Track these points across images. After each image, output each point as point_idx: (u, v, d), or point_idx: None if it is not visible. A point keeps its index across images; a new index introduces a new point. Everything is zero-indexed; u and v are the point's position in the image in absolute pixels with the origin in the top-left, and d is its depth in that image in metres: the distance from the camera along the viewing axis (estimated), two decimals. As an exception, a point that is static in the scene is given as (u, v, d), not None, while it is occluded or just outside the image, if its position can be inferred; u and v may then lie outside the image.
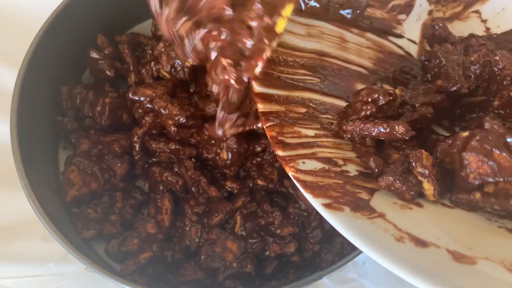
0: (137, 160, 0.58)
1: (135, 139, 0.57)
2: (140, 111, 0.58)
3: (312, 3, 0.53)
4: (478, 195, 0.39)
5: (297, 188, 0.54)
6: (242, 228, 0.54)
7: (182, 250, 0.54)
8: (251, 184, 0.57)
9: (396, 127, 0.42)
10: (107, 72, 0.61)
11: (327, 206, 0.38)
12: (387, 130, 0.42)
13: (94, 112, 0.59)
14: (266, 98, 0.46)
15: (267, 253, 0.54)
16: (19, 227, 0.58)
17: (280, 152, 0.42)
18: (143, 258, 0.52)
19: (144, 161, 0.58)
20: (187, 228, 0.55)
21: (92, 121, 0.59)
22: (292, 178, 0.40)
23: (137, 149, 0.57)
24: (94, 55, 0.61)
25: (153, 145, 0.56)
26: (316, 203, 0.38)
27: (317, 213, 0.54)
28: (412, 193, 0.40)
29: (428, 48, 0.57)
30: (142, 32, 0.67)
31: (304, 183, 0.40)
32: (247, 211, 0.55)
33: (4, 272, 0.56)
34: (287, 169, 0.41)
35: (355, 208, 0.38)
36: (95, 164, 0.56)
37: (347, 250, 0.53)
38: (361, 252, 0.50)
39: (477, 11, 0.59)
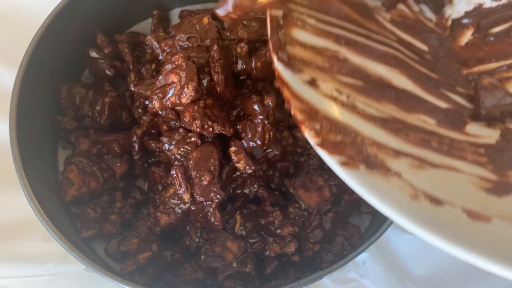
0: (137, 160, 0.57)
1: (134, 138, 0.57)
2: (140, 110, 0.58)
3: None
4: None
5: (297, 187, 0.54)
6: (242, 228, 0.54)
7: (182, 250, 0.54)
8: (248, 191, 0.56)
9: None
10: (107, 72, 0.61)
11: (343, 164, 0.38)
12: None
13: (94, 111, 0.59)
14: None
15: (267, 253, 0.53)
16: (18, 227, 0.58)
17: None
18: (143, 258, 0.52)
19: (144, 161, 0.58)
20: (187, 228, 0.55)
21: (92, 121, 0.59)
22: (308, 137, 0.40)
23: (136, 148, 0.57)
24: (94, 54, 0.61)
25: (153, 145, 0.56)
26: (332, 161, 0.38)
27: (317, 213, 0.54)
28: None
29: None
30: (141, 31, 0.67)
31: (319, 143, 0.39)
32: (247, 210, 0.55)
33: (3, 272, 0.56)
34: (302, 127, 0.41)
35: (371, 165, 0.38)
36: (95, 163, 0.55)
37: (348, 250, 0.53)
38: (361, 252, 0.50)
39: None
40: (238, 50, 0.54)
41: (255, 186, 0.54)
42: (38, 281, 0.56)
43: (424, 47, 0.55)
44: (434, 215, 0.35)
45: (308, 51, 0.47)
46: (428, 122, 0.45)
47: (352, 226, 0.56)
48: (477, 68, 0.53)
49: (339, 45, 0.49)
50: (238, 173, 0.54)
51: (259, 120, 0.51)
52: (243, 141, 0.52)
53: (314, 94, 0.43)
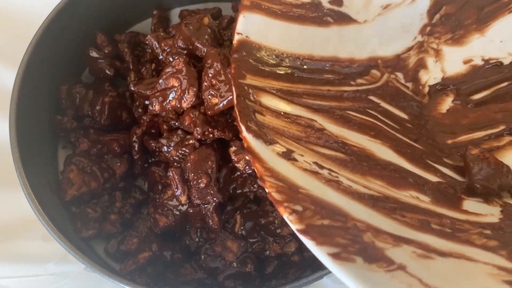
0: (137, 160, 0.57)
1: (134, 138, 0.57)
2: (140, 110, 0.58)
3: None
4: None
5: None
6: (242, 227, 0.54)
7: (182, 249, 0.54)
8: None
9: None
10: (107, 71, 0.61)
11: (334, 256, 0.31)
12: None
13: (94, 111, 0.59)
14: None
15: (268, 252, 0.53)
16: (18, 227, 0.58)
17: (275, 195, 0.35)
18: (142, 257, 0.52)
19: (144, 161, 0.58)
20: (187, 228, 0.55)
21: (92, 120, 0.59)
22: (288, 222, 0.34)
23: (136, 148, 0.57)
24: (94, 54, 0.61)
25: (153, 145, 0.56)
26: (320, 253, 0.31)
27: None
28: None
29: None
30: (141, 31, 0.66)
31: (303, 229, 0.33)
32: (247, 210, 0.55)
33: (3, 272, 0.56)
34: (281, 210, 0.34)
35: (369, 258, 0.32)
36: (95, 163, 0.55)
37: (348, 250, 0.53)
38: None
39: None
40: None
41: (255, 186, 0.54)
42: (38, 281, 0.56)
43: (403, 115, 0.50)
44: None
45: (280, 119, 0.42)
46: (421, 200, 0.40)
47: (352, 226, 0.56)
48: (463, 137, 0.49)
49: (314, 113, 0.44)
50: (238, 173, 0.54)
51: (259, 119, 0.51)
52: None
53: (292, 168, 0.37)
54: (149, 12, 0.66)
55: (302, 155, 0.39)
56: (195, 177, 0.49)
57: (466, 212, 0.40)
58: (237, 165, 0.51)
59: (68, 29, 0.58)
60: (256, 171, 0.36)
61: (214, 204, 0.50)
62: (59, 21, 0.56)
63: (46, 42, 0.55)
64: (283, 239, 0.53)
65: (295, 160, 0.38)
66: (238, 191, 0.54)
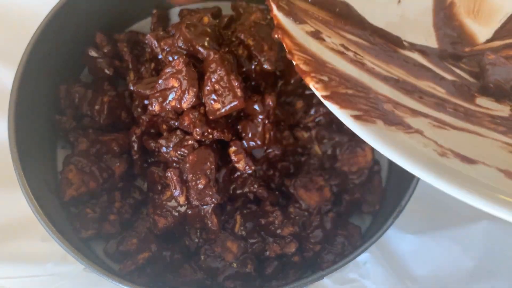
0: (136, 160, 0.57)
1: (133, 138, 0.56)
2: (139, 110, 0.58)
3: None
4: None
5: (297, 187, 0.54)
6: (242, 228, 0.54)
7: (182, 250, 0.54)
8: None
9: None
10: (106, 71, 0.61)
11: (357, 117, 0.34)
12: None
13: (93, 111, 0.58)
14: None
15: (268, 253, 0.53)
16: (17, 227, 0.58)
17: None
18: (142, 258, 0.51)
19: (143, 161, 0.58)
20: (187, 228, 0.55)
21: (91, 120, 0.59)
22: (314, 90, 0.36)
23: (135, 148, 0.57)
24: (93, 53, 0.61)
25: (152, 145, 0.55)
26: (344, 115, 0.34)
27: (318, 213, 0.53)
28: None
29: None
30: (141, 31, 0.66)
31: (328, 95, 0.35)
32: (247, 211, 0.54)
33: (2, 272, 0.56)
34: (307, 80, 0.36)
35: (389, 122, 0.34)
36: (94, 163, 0.55)
37: (348, 250, 0.53)
38: (362, 252, 0.50)
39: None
40: (240, 52, 0.54)
41: (255, 186, 0.54)
42: (37, 281, 0.56)
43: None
44: (466, 173, 0.32)
45: (310, 5, 0.44)
46: (438, 90, 0.43)
47: (352, 226, 0.56)
48: (480, 46, 0.51)
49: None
50: (238, 173, 0.54)
51: (259, 120, 0.51)
52: (243, 141, 0.52)
53: (320, 46, 0.40)
54: (148, 11, 0.66)
55: (329, 37, 0.41)
56: (193, 178, 0.49)
57: (478, 106, 0.43)
58: (237, 165, 0.51)
59: (67, 28, 0.58)
60: (285, 46, 0.38)
61: (213, 205, 0.50)
62: (58, 20, 0.56)
63: (45, 41, 0.55)
64: (283, 240, 0.53)
65: (323, 39, 0.40)
66: (238, 191, 0.54)
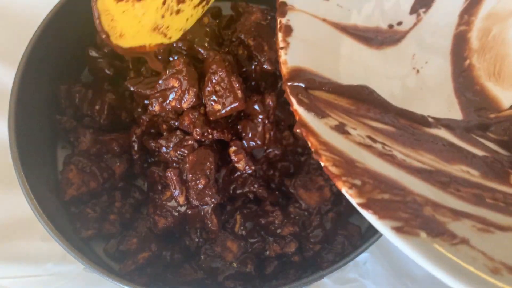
0: (136, 160, 0.57)
1: (134, 138, 0.56)
2: (139, 110, 0.58)
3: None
4: None
5: (297, 187, 0.54)
6: (242, 227, 0.54)
7: (182, 250, 0.54)
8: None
9: None
10: (106, 71, 0.61)
11: (398, 230, 0.31)
12: None
13: (93, 111, 0.58)
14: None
15: (268, 253, 0.53)
16: (17, 227, 0.58)
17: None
18: (142, 258, 0.51)
19: (143, 161, 0.58)
20: (187, 228, 0.54)
21: (91, 120, 0.59)
22: (348, 197, 0.33)
23: (135, 148, 0.57)
24: (93, 53, 0.61)
25: (152, 144, 0.55)
26: (384, 227, 0.31)
27: (318, 213, 0.53)
28: None
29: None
30: (141, 31, 0.66)
31: (364, 203, 0.32)
32: (247, 210, 0.54)
33: (2, 272, 0.56)
34: (339, 184, 0.34)
35: (433, 232, 0.31)
36: (94, 163, 0.55)
37: (348, 250, 0.53)
38: (362, 252, 0.50)
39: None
40: (240, 52, 0.54)
41: (255, 186, 0.54)
42: (37, 281, 0.56)
43: None
44: None
45: (329, 93, 0.41)
46: (472, 174, 0.40)
47: (352, 226, 0.55)
48: (507, 112, 0.48)
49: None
50: (238, 173, 0.54)
51: (259, 119, 0.51)
52: (244, 141, 0.52)
53: (346, 142, 0.37)
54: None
55: (354, 128, 0.38)
56: (193, 178, 0.49)
57: None
58: (237, 165, 0.51)
59: (67, 28, 0.58)
60: (310, 145, 0.35)
61: (212, 205, 0.50)
62: (58, 20, 0.56)
63: (45, 41, 0.55)
64: (283, 239, 0.53)
65: (349, 133, 0.38)
66: (238, 191, 0.54)
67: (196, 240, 0.54)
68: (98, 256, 0.55)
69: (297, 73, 0.42)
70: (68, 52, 0.60)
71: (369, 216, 0.32)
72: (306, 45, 0.45)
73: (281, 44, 0.44)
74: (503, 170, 0.41)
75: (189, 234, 0.54)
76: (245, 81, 0.55)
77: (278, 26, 0.45)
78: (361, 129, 0.39)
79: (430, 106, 0.49)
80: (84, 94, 0.59)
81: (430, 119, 0.47)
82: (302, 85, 0.41)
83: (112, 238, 0.55)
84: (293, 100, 0.39)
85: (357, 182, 0.33)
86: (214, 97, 0.48)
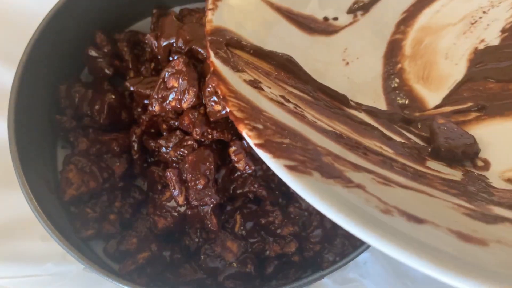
0: (136, 159, 0.57)
1: (134, 138, 0.56)
2: (139, 109, 0.58)
3: None
4: None
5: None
6: (242, 227, 0.53)
7: (182, 249, 0.54)
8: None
9: None
10: (106, 70, 0.61)
11: (291, 168, 0.30)
12: None
13: (93, 110, 0.58)
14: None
15: (268, 253, 0.53)
16: (17, 227, 0.58)
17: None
18: (142, 257, 0.51)
19: (143, 160, 0.58)
20: (187, 228, 0.54)
21: (91, 120, 0.59)
22: (247, 138, 0.33)
23: (135, 148, 0.56)
24: (93, 53, 0.61)
25: (152, 144, 0.55)
26: (276, 165, 0.31)
27: (318, 213, 0.53)
28: None
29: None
30: (141, 30, 0.66)
31: (261, 144, 0.32)
32: (247, 210, 0.54)
33: (1, 272, 0.56)
34: (240, 127, 0.34)
35: (327, 174, 0.31)
36: (94, 163, 0.55)
37: (349, 250, 0.52)
38: (362, 252, 0.50)
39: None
40: None
41: (255, 185, 0.53)
42: (37, 281, 0.56)
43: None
44: (413, 234, 0.28)
45: (251, 56, 0.43)
46: (385, 149, 0.39)
47: (352, 226, 0.55)
48: (431, 111, 0.50)
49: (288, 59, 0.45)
50: (238, 173, 0.54)
51: (259, 119, 0.51)
52: (244, 141, 0.52)
53: (257, 95, 0.37)
54: (148, 11, 0.66)
55: (269, 87, 0.39)
56: (193, 178, 0.49)
57: (429, 168, 0.39)
58: (236, 165, 0.51)
59: (67, 28, 0.58)
60: (220, 93, 0.36)
61: (212, 205, 0.50)
62: (58, 20, 0.56)
63: (45, 41, 0.55)
64: (283, 239, 0.53)
65: (262, 89, 0.38)
66: (238, 191, 0.54)
67: (196, 240, 0.54)
68: (98, 256, 0.55)
69: (221, 31, 0.43)
70: (67, 52, 0.60)
71: (264, 155, 0.32)
72: (235, 11, 0.46)
73: (210, 6, 0.45)
74: (420, 156, 0.42)
75: (189, 234, 0.54)
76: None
77: None
78: (276, 89, 0.39)
79: (356, 96, 0.50)
80: (84, 94, 0.59)
81: (351, 102, 0.48)
82: (223, 41, 0.42)
83: (112, 238, 0.55)
84: (211, 53, 0.39)
85: (259, 126, 0.33)
86: (214, 98, 0.48)
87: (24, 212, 0.51)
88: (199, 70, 0.51)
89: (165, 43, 0.54)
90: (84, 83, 0.61)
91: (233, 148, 0.51)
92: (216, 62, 0.38)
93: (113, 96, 0.59)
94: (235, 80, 0.38)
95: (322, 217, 0.53)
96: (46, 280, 0.56)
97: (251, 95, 0.37)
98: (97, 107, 0.58)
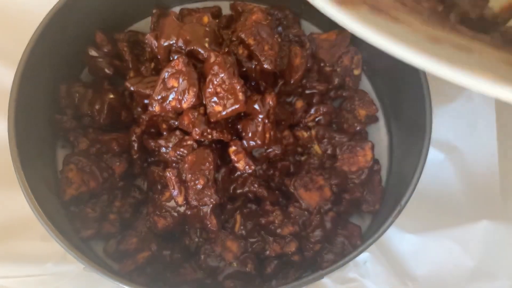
0: (136, 159, 0.57)
1: (134, 138, 0.56)
2: (139, 109, 0.58)
3: None
4: None
5: (297, 187, 0.54)
6: (242, 227, 0.54)
7: (182, 249, 0.54)
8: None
9: None
10: (106, 70, 0.61)
11: (338, 2, 0.30)
12: None
13: (93, 110, 0.58)
14: None
15: (268, 252, 0.53)
16: (17, 227, 0.58)
17: None
18: (142, 257, 0.51)
19: (143, 160, 0.58)
20: (187, 228, 0.54)
21: (91, 120, 0.59)
22: None
23: (135, 148, 0.56)
24: (93, 53, 0.61)
25: (152, 144, 0.55)
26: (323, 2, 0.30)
27: (318, 212, 0.53)
28: None
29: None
30: (141, 30, 0.66)
31: None
32: (247, 210, 0.54)
33: (2, 272, 0.56)
34: None
35: (375, 9, 0.31)
36: (94, 162, 0.55)
37: (348, 250, 0.53)
38: (362, 251, 0.50)
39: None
40: (240, 51, 0.54)
41: (255, 185, 0.54)
42: (37, 281, 0.56)
43: None
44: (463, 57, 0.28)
45: None
46: None
47: (352, 225, 0.55)
48: None
49: None
50: (238, 173, 0.54)
51: (259, 119, 0.51)
52: (243, 141, 0.52)
53: None
54: (148, 10, 0.66)
55: None
56: (192, 178, 0.49)
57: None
58: (236, 165, 0.51)
59: (67, 28, 0.58)
60: None
61: (211, 205, 0.50)
62: (58, 20, 0.56)
63: (45, 41, 0.55)
64: (283, 239, 0.53)
65: None
66: (238, 191, 0.54)
67: (196, 240, 0.54)
68: (98, 255, 0.55)
69: None
70: (67, 52, 0.60)
71: None
72: None
73: None
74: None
75: (189, 234, 0.54)
76: (245, 80, 0.55)
77: None
78: None
79: None
80: (84, 94, 0.59)
81: None
82: None
83: (111, 237, 0.55)
84: None
85: None
86: (215, 99, 0.48)
87: (24, 212, 0.51)
88: (199, 70, 0.51)
89: (165, 43, 0.54)
90: (84, 83, 0.61)
91: (233, 148, 0.51)
92: None
93: (113, 96, 0.59)
94: None
95: (321, 217, 0.53)
96: (46, 280, 0.56)
97: None
98: (97, 106, 0.58)
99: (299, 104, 0.58)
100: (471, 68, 0.26)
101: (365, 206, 0.57)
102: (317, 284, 0.56)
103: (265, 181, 0.56)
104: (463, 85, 0.27)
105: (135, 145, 0.56)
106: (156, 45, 0.55)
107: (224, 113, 0.49)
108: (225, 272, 0.52)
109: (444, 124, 0.61)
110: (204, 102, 0.50)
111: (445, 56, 0.27)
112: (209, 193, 0.49)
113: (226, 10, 0.64)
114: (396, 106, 0.61)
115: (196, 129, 0.49)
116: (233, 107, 0.48)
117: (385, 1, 0.33)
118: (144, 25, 0.67)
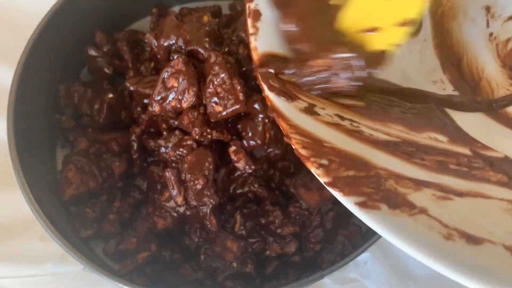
0: (136, 159, 0.57)
1: (133, 137, 0.56)
2: (139, 109, 0.58)
3: None
4: None
5: (298, 187, 0.54)
6: (242, 227, 0.53)
7: (181, 249, 0.54)
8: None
9: None
10: (106, 70, 0.61)
11: (361, 205, 0.34)
12: None
13: (92, 110, 0.58)
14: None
15: (268, 252, 0.53)
16: (16, 227, 0.58)
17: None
18: (141, 257, 0.51)
19: (143, 160, 0.58)
20: (186, 228, 0.54)
21: (90, 119, 0.59)
22: (316, 176, 0.36)
23: (135, 148, 0.56)
24: (93, 52, 0.61)
25: (152, 144, 0.55)
26: (348, 203, 0.34)
27: (318, 212, 0.53)
28: None
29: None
30: (140, 29, 0.66)
31: (330, 182, 0.35)
32: (247, 210, 0.54)
33: (1, 272, 0.56)
34: (308, 165, 0.37)
35: (393, 204, 0.35)
36: (93, 162, 0.55)
37: (349, 250, 0.52)
38: (362, 251, 0.50)
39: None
40: (240, 51, 0.54)
41: (256, 185, 0.53)
42: (37, 281, 0.56)
43: None
44: (473, 256, 0.32)
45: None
46: (439, 140, 0.42)
47: (353, 225, 0.55)
48: None
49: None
50: (238, 173, 0.54)
51: (259, 119, 0.51)
52: (244, 141, 0.51)
53: (316, 124, 0.39)
54: (148, 10, 0.66)
55: (323, 108, 0.41)
56: (191, 178, 0.48)
57: (484, 147, 0.42)
58: (236, 165, 0.51)
59: (67, 27, 0.58)
60: (281, 129, 0.38)
61: (211, 206, 0.50)
62: (57, 20, 0.56)
63: (44, 40, 0.55)
64: (283, 239, 0.53)
65: (317, 114, 0.40)
66: (238, 191, 0.54)
67: (196, 240, 0.54)
68: (97, 256, 0.54)
69: (267, 59, 0.44)
70: (67, 51, 0.60)
71: (336, 193, 0.35)
72: (275, 29, 0.46)
73: (251, 30, 0.45)
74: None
75: (189, 234, 0.54)
76: (245, 80, 0.54)
77: (247, 12, 0.46)
78: (330, 108, 0.41)
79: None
80: (83, 93, 0.59)
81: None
82: (272, 70, 0.43)
83: (111, 237, 0.55)
84: (264, 86, 0.41)
85: (324, 162, 0.36)
86: (215, 99, 0.48)
87: (24, 212, 0.51)
88: (199, 70, 0.51)
89: (165, 43, 0.53)
90: (83, 83, 0.61)
91: (233, 148, 0.51)
92: (271, 96, 0.40)
93: (113, 96, 0.59)
94: (292, 111, 0.40)
95: (322, 217, 0.53)
96: (45, 280, 0.56)
97: (310, 125, 0.39)
98: (96, 106, 0.58)
99: (299, 103, 0.58)
100: (486, 279, 0.30)
101: (365, 206, 0.57)
102: (317, 284, 0.56)
103: (265, 181, 0.55)
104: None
105: (135, 145, 0.56)
106: (156, 44, 0.55)
107: (224, 113, 0.49)
108: (225, 272, 0.52)
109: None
110: (204, 102, 0.50)
111: (458, 261, 0.30)
112: (208, 193, 0.49)
113: (226, 10, 0.64)
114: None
115: (196, 129, 0.49)
116: (234, 108, 0.48)
117: (401, 187, 0.36)
118: (143, 24, 0.67)
